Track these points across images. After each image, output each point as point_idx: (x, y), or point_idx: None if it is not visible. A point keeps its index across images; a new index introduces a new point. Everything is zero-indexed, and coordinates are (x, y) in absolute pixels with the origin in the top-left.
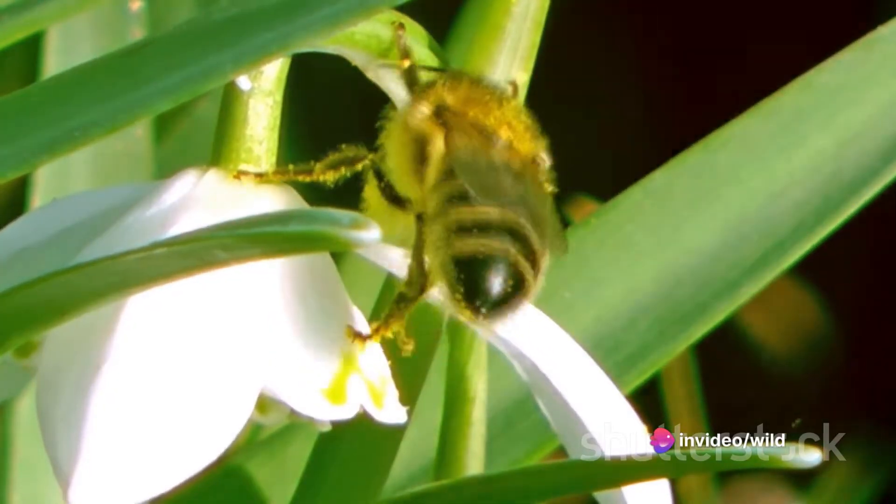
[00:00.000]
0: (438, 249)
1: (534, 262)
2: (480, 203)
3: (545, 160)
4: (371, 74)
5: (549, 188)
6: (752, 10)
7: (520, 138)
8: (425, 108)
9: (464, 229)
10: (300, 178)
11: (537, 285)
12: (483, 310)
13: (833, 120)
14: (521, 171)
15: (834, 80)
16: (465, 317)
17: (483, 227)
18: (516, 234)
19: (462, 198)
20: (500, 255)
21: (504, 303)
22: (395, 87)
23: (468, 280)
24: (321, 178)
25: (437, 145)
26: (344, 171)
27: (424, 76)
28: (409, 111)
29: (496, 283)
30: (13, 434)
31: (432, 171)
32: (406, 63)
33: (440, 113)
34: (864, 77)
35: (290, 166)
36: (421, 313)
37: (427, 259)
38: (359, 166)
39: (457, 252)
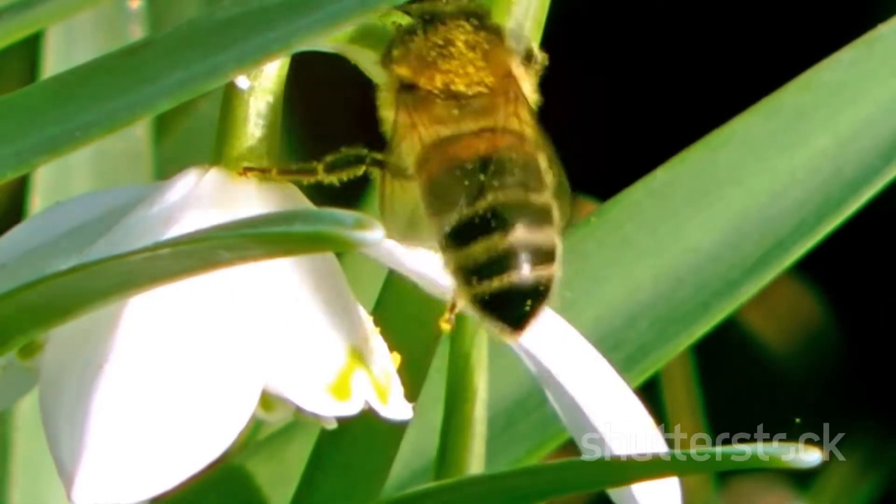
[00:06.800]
0: (453, 279)
1: (544, 256)
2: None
3: (526, 62)
4: (370, 72)
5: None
6: (753, 9)
7: (484, 69)
8: (387, 94)
9: (468, 272)
10: (302, 178)
11: (557, 271)
12: (514, 330)
13: (834, 119)
14: (487, 150)
15: (834, 79)
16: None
17: (483, 266)
18: (521, 247)
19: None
20: (516, 286)
21: (532, 315)
22: None
23: (493, 318)
24: (324, 181)
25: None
26: (346, 176)
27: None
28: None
29: (520, 311)
30: (13, 433)
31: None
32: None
33: (399, 96)
34: (865, 75)
35: (292, 165)
36: (421, 313)
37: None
38: (360, 171)
39: (471, 297)
